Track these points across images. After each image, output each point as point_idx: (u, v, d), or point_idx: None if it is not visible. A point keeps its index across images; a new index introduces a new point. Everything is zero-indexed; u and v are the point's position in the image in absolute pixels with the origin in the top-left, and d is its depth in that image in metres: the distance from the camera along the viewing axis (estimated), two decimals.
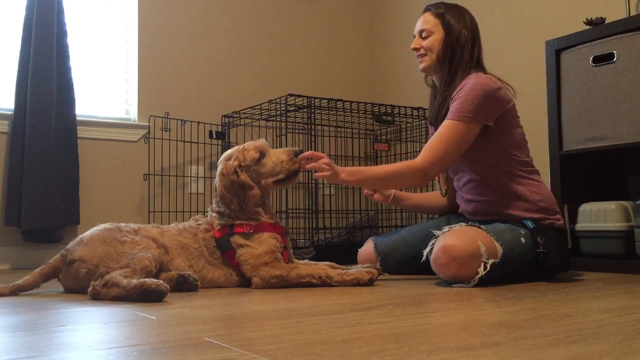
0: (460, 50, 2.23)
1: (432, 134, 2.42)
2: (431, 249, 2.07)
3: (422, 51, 2.28)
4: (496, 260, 2.00)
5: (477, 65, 2.25)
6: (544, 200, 2.18)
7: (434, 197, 2.56)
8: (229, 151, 2.17)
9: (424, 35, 2.28)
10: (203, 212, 3.54)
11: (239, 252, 2.05)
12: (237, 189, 2.07)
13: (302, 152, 2.14)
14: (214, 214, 2.14)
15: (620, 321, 1.29)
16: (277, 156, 2.12)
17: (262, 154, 2.11)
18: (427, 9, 2.32)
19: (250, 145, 2.14)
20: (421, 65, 2.31)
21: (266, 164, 2.11)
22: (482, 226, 2.08)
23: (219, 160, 2.17)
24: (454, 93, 2.16)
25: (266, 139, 3.78)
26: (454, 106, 2.14)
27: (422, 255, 2.16)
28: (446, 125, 2.13)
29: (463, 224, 2.13)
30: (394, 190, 2.47)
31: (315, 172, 2.12)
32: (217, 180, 2.13)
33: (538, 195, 2.18)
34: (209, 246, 2.08)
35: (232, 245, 2.06)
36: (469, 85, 2.13)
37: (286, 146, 3.26)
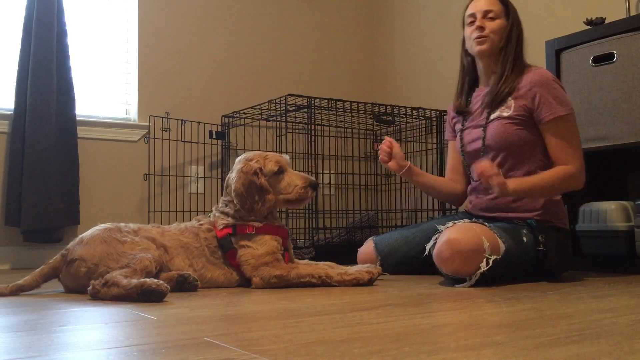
0: (519, 43, 2.26)
1: (454, 122, 2.42)
2: (434, 244, 2.07)
3: (486, 32, 2.23)
4: (498, 257, 2.00)
5: (522, 59, 2.28)
6: (554, 205, 2.22)
7: (445, 182, 2.50)
8: (250, 153, 2.19)
9: (490, 16, 2.23)
10: (203, 212, 3.54)
11: (240, 252, 2.05)
12: (253, 190, 2.08)
13: (318, 185, 2.16)
14: (217, 214, 2.14)
15: (620, 321, 1.29)
16: (293, 178, 2.13)
17: (281, 170, 2.13)
18: None
19: (273, 157, 2.15)
20: (482, 47, 2.24)
21: (282, 180, 2.12)
22: (486, 223, 2.08)
23: (238, 159, 2.18)
24: (526, 90, 2.17)
25: (266, 139, 3.82)
26: (550, 105, 2.14)
27: (422, 255, 2.17)
28: (561, 124, 2.15)
29: (467, 220, 2.14)
30: (409, 162, 2.43)
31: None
32: (233, 177, 2.12)
33: (550, 199, 2.21)
34: (210, 246, 2.08)
35: (234, 246, 2.06)
36: (543, 79, 2.17)
37: (286, 147, 3.26)
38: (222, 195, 2.23)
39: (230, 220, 2.10)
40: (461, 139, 2.37)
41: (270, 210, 2.13)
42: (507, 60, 2.23)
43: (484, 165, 2.03)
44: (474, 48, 2.27)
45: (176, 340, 1.13)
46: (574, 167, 2.14)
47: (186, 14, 3.73)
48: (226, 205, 2.15)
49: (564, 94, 2.19)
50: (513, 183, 2.07)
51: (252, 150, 3.69)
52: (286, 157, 2.19)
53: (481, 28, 2.23)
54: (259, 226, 2.09)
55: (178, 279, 1.93)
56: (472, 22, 2.27)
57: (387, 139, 2.41)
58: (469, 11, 2.29)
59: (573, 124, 2.19)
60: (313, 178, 2.17)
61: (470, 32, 2.26)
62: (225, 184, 2.20)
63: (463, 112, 2.37)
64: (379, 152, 2.42)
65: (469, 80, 2.38)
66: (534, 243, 2.11)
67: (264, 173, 2.11)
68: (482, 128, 2.27)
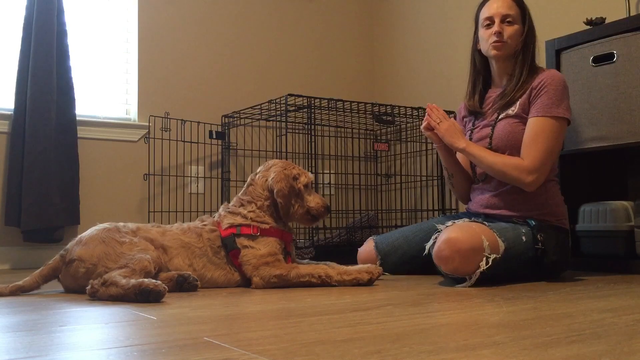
0: (533, 45, 2.26)
1: (465, 121, 2.42)
2: (433, 243, 2.07)
3: (505, 37, 2.22)
4: (498, 256, 2.00)
5: (535, 62, 2.28)
6: (555, 205, 2.23)
7: (467, 173, 2.44)
8: (281, 160, 2.24)
9: (508, 20, 2.23)
10: (203, 212, 3.55)
11: (242, 252, 2.06)
12: (291, 194, 2.13)
13: (330, 210, 2.24)
14: (224, 213, 2.15)
15: (620, 321, 1.29)
16: (315, 196, 2.21)
17: (310, 185, 2.21)
18: None
19: (304, 171, 2.23)
20: (498, 52, 2.24)
21: (310, 193, 2.20)
22: (485, 222, 2.08)
23: (274, 162, 2.23)
24: (531, 88, 2.18)
25: (266, 139, 3.82)
26: (542, 102, 2.14)
27: (423, 254, 2.17)
28: (541, 122, 2.13)
29: (466, 220, 2.14)
30: None
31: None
32: (274, 176, 2.14)
33: (552, 200, 2.22)
34: (213, 246, 2.08)
35: (237, 246, 2.07)
36: (551, 79, 2.15)
37: (286, 147, 3.26)
38: (229, 197, 2.24)
39: (238, 220, 2.11)
40: (471, 137, 2.36)
41: (297, 218, 2.19)
42: (522, 66, 2.23)
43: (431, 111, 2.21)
44: (490, 52, 2.26)
45: (176, 340, 1.13)
46: (526, 163, 2.12)
47: (186, 14, 3.73)
48: (240, 205, 2.15)
49: (563, 97, 2.17)
50: (468, 143, 2.20)
51: (252, 150, 3.72)
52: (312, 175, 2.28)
53: (499, 33, 2.22)
54: (265, 228, 2.10)
55: (178, 279, 1.93)
56: (489, 25, 2.26)
57: (431, 106, 2.33)
58: (486, 14, 2.26)
59: (553, 127, 2.14)
60: (328, 204, 2.25)
61: (488, 36, 2.25)
62: (248, 182, 2.21)
63: (476, 112, 2.36)
64: (422, 120, 2.35)
65: (482, 80, 2.37)
66: (533, 242, 2.11)
67: (300, 182, 2.17)
68: (490, 127, 2.27)
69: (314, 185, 2.28)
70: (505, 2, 2.25)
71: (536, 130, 2.13)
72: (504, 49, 2.23)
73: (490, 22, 2.26)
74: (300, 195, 2.16)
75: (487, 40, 2.26)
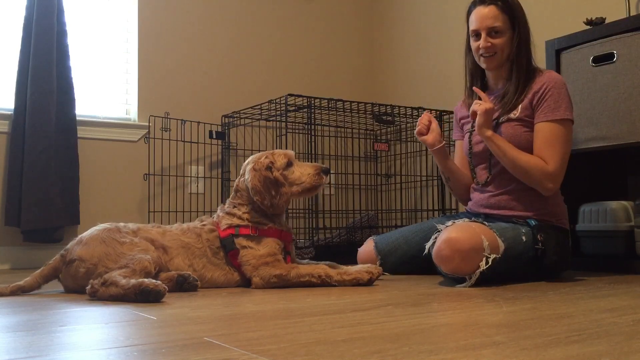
0: (528, 48, 2.24)
1: (463, 122, 2.42)
2: (433, 243, 2.07)
3: (493, 51, 2.21)
4: (498, 256, 2.00)
5: (532, 63, 2.27)
6: (555, 205, 2.22)
7: (465, 174, 2.42)
8: (257, 154, 2.23)
9: (495, 32, 2.20)
10: (203, 212, 3.55)
11: (242, 252, 2.06)
12: (269, 185, 2.11)
13: (329, 170, 2.18)
14: (222, 214, 2.15)
15: (620, 321, 1.29)
16: (304, 168, 2.17)
17: (290, 162, 2.16)
18: (490, 2, 2.21)
19: (279, 151, 2.19)
20: (489, 65, 2.24)
21: (294, 171, 2.15)
22: (485, 222, 2.08)
23: (247, 161, 2.21)
24: (533, 92, 2.17)
25: (266, 139, 3.82)
26: (550, 106, 2.14)
27: (423, 255, 2.17)
28: (555, 127, 2.13)
29: (466, 219, 2.14)
30: (444, 141, 2.36)
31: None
32: (248, 177, 2.13)
33: (552, 200, 2.21)
34: (212, 246, 2.08)
35: (236, 246, 2.07)
36: (553, 82, 2.16)
37: (286, 146, 3.26)
38: (228, 197, 2.24)
39: (235, 221, 2.11)
40: (470, 139, 2.36)
41: (288, 203, 2.16)
42: (519, 70, 2.22)
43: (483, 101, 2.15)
44: (481, 63, 2.28)
45: (176, 340, 1.13)
46: (550, 169, 2.12)
47: (186, 14, 3.73)
48: (234, 207, 2.15)
49: (568, 100, 2.18)
50: (494, 134, 2.14)
51: (252, 150, 3.72)
52: (291, 151, 2.23)
53: (487, 48, 2.21)
54: (263, 228, 2.10)
55: (178, 279, 1.93)
56: (476, 37, 2.24)
57: (427, 115, 2.36)
58: (473, 26, 2.24)
59: (565, 131, 2.15)
60: (325, 165, 2.20)
61: (476, 48, 2.25)
62: (235, 188, 2.21)
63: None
64: (416, 124, 2.35)
65: (477, 81, 2.36)
66: (533, 242, 2.11)
67: (276, 167, 2.13)
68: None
69: (298, 157, 2.24)
70: (491, 11, 2.20)
71: (552, 136, 2.13)
72: (494, 62, 2.24)
73: (477, 35, 2.24)
74: (279, 183, 2.12)
75: (476, 52, 2.26)
